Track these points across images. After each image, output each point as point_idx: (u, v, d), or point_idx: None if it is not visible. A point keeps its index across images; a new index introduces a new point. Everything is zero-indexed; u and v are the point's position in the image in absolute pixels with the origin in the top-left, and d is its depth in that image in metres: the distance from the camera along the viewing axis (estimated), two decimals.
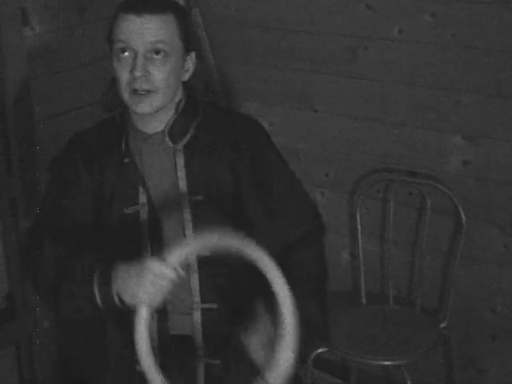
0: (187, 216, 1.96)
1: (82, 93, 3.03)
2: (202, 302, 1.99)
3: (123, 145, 1.99)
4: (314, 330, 1.95)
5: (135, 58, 1.88)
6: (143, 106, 1.91)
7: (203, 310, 1.99)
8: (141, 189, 1.97)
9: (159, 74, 1.89)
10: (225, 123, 2.03)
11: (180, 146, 1.98)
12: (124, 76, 1.90)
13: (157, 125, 1.99)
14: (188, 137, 1.99)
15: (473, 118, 2.87)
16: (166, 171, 1.98)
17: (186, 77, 1.98)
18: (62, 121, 2.99)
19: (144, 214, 1.98)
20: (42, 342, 2.84)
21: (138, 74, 1.87)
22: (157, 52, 1.88)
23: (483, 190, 2.91)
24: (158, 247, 1.94)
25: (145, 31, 1.87)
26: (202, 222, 1.95)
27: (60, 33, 2.92)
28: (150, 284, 1.76)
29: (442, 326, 2.98)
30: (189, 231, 1.96)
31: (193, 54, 1.97)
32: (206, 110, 2.04)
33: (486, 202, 2.91)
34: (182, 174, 1.97)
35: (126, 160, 1.98)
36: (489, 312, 3.00)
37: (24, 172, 2.70)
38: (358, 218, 3.11)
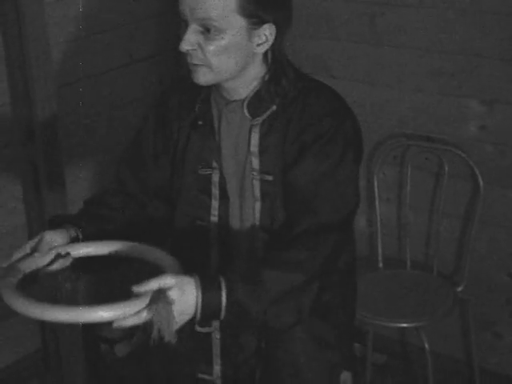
0: (257, 194, 1.89)
1: (101, 60, 3.07)
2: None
3: (197, 107, 1.94)
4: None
5: (186, 30, 1.79)
6: (196, 78, 1.84)
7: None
8: (214, 153, 1.92)
9: (209, 50, 1.79)
10: (307, 108, 1.86)
11: (258, 120, 1.88)
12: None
13: (240, 92, 1.88)
14: (268, 113, 1.87)
15: (490, 83, 2.88)
16: (239, 143, 1.91)
17: (262, 49, 1.83)
18: (82, 86, 3.03)
19: (216, 178, 1.93)
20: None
21: (182, 48, 1.80)
22: (207, 28, 1.78)
23: (500, 154, 2.92)
24: (225, 211, 1.93)
25: (195, 5, 1.76)
26: (268, 203, 1.89)
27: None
28: None
29: (459, 289, 3.01)
30: (257, 208, 1.89)
31: (267, 26, 1.80)
32: (296, 85, 1.88)
33: (503, 166, 2.93)
34: (255, 150, 1.88)
35: (200, 122, 1.94)
36: (505, 276, 3.02)
37: (45, 138, 2.72)
38: (376, 184, 3.13)
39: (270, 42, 1.82)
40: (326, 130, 1.83)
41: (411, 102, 3.06)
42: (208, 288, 1.68)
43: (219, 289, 1.68)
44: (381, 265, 3.15)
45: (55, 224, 1.91)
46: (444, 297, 2.96)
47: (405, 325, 2.89)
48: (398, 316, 2.89)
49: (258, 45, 1.82)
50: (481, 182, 2.93)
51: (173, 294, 1.64)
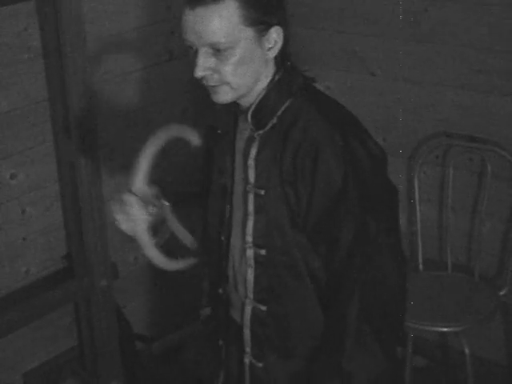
0: (251, 208, 1.87)
1: (139, 56, 3.06)
2: (255, 299, 1.93)
3: (229, 118, 1.93)
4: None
5: (196, 55, 1.76)
6: (217, 98, 1.82)
7: (254, 308, 1.94)
8: (229, 161, 1.93)
9: (224, 69, 1.76)
10: (307, 126, 1.80)
11: (260, 134, 1.85)
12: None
13: (249, 99, 1.85)
14: (269, 126, 1.84)
15: None
16: (243, 155, 1.90)
17: (273, 53, 1.80)
18: (120, 82, 3.03)
19: (229, 188, 1.94)
20: (100, 302, 2.87)
21: (197, 74, 1.77)
22: (217, 49, 1.75)
23: None
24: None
25: (200, 29, 1.73)
26: (261, 218, 1.86)
27: None
28: (119, 213, 1.92)
29: (502, 293, 2.95)
30: (250, 224, 1.88)
31: (274, 30, 1.77)
32: (298, 97, 1.84)
33: None
34: (251, 163, 1.86)
35: (219, 131, 1.95)
36: None
37: (82, 134, 2.72)
38: (416, 184, 3.07)
39: (279, 44, 1.80)
40: (326, 159, 1.76)
41: (454, 100, 3.00)
42: None
43: None
44: (421, 267, 3.10)
45: None
46: (486, 300, 2.90)
47: (445, 329, 2.84)
48: (438, 320, 2.84)
49: (269, 49, 1.79)
50: None
51: None
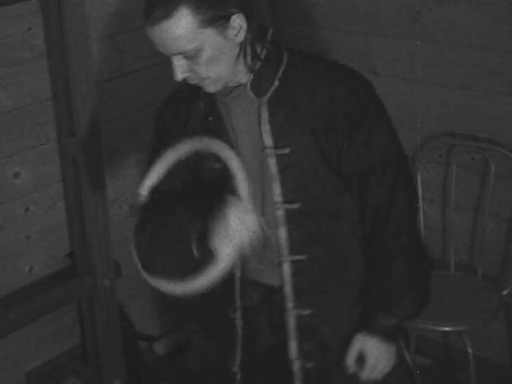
0: (274, 170, 1.96)
1: (142, 55, 3.06)
2: (291, 254, 2.00)
3: (201, 104, 1.99)
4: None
5: (171, 61, 1.86)
6: (207, 89, 1.92)
7: (292, 262, 2.01)
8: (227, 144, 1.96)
9: (199, 69, 1.86)
10: (310, 75, 1.94)
11: (264, 99, 1.94)
12: None
13: (240, 77, 1.94)
14: (272, 90, 1.93)
15: None
16: (250, 125, 1.96)
17: (241, 37, 1.87)
18: (123, 81, 3.03)
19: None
20: (102, 301, 2.87)
21: (177, 79, 1.87)
22: (185, 56, 1.84)
23: None
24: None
25: (163, 42, 1.82)
26: (290, 175, 1.95)
27: None
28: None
29: (505, 293, 2.94)
30: (276, 185, 1.96)
31: (234, 18, 1.83)
32: (290, 60, 1.95)
33: None
34: (266, 128, 1.94)
35: (210, 118, 1.98)
36: None
37: (85, 134, 2.72)
38: (419, 183, 3.07)
39: (244, 27, 1.85)
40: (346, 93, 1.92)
41: (457, 99, 3.00)
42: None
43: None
44: None
45: None
46: (489, 300, 2.90)
47: (447, 328, 2.84)
48: (440, 319, 2.83)
49: (236, 35, 1.86)
50: None
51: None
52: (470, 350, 2.81)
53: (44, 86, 2.79)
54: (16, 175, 2.80)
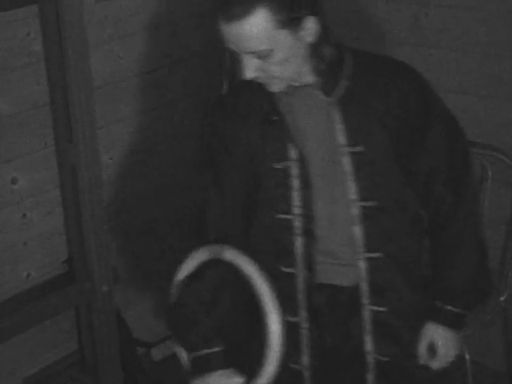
0: (348, 168, 1.98)
1: (141, 61, 3.06)
2: (367, 251, 2.03)
3: (265, 105, 2.00)
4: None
5: (241, 59, 1.89)
6: (272, 89, 1.95)
7: (368, 259, 2.04)
8: (290, 144, 1.99)
9: (270, 68, 1.89)
10: (379, 73, 2.00)
11: (334, 98, 1.97)
12: None
13: (308, 78, 1.97)
14: (342, 88, 1.97)
15: None
16: (319, 125, 1.99)
17: (313, 39, 1.91)
18: (122, 87, 3.03)
19: (296, 169, 1.99)
20: (100, 306, 2.87)
21: (246, 77, 1.89)
22: (257, 55, 1.87)
23: None
24: (308, 203, 2.00)
25: (238, 41, 1.85)
26: (365, 173, 1.98)
27: None
28: None
29: (502, 299, 2.93)
30: (350, 183, 1.99)
31: (307, 21, 1.86)
32: (356, 59, 2.00)
33: None
34: (339, 126, 1.96)
35: (275, 118, 1.99)
36: None
37: (84, 140, 2.72)
38: None
39: (316, 29, 1.87)
40: (414, 85, 2.01)
41: (453, 105, 2.98)
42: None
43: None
44: None
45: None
46: (486, 306, 2.88)
47: None
48: None
49: (307, 37, 1.88)
50: None
51: None
52: (467, 356, 2.81)
53: (42, 91, 2.79)
54: (14, 181, 2.80)
